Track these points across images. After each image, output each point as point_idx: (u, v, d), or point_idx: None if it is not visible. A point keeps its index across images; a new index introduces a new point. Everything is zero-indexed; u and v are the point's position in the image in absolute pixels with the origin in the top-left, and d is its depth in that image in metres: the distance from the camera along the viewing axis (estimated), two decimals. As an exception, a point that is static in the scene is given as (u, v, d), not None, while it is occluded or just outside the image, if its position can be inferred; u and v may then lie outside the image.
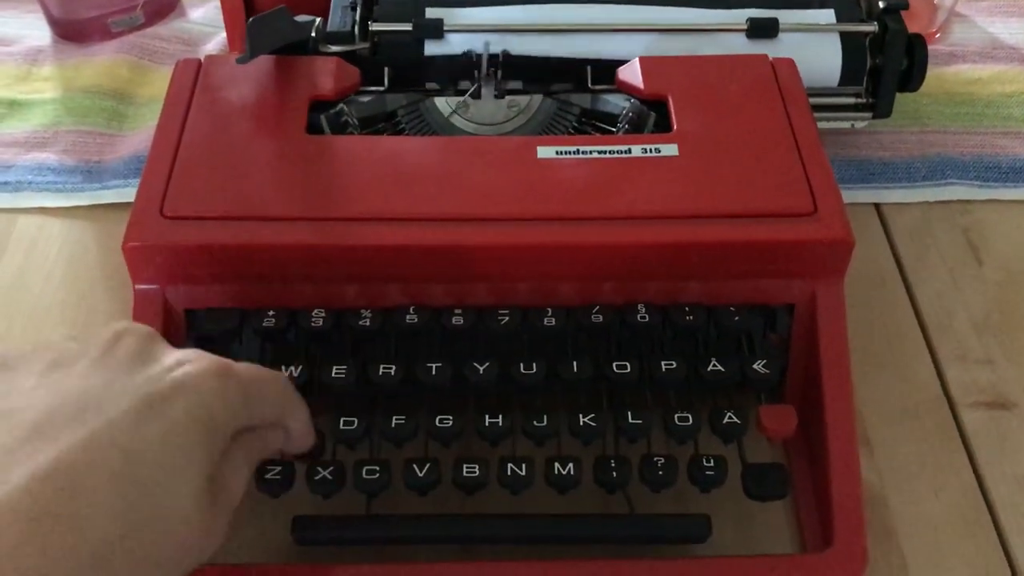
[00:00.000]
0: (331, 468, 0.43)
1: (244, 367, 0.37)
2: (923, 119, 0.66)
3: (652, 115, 0.53)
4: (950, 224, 0.60)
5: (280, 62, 0.53)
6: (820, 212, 0.46)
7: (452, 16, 0.57)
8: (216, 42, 0.71)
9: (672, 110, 0.51)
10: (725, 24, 0.58)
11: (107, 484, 0.31)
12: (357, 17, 0.57)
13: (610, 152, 0.48)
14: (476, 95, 0.56)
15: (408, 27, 0.56)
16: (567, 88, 0.57)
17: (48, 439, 0.31)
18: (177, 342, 0.45)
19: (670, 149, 0.48)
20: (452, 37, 0.57)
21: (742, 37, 0.58)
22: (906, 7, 0.58)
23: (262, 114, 0.50)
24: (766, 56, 0.54)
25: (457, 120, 0.54)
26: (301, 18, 0.55)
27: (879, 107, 0.59)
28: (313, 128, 0.50)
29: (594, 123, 0.55)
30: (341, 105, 0.52)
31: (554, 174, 0.47)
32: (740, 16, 0.58)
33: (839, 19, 0.59)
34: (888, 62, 0.58)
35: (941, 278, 0.57)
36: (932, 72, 0.69)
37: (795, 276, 0.47)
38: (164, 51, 0.71)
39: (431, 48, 0.57)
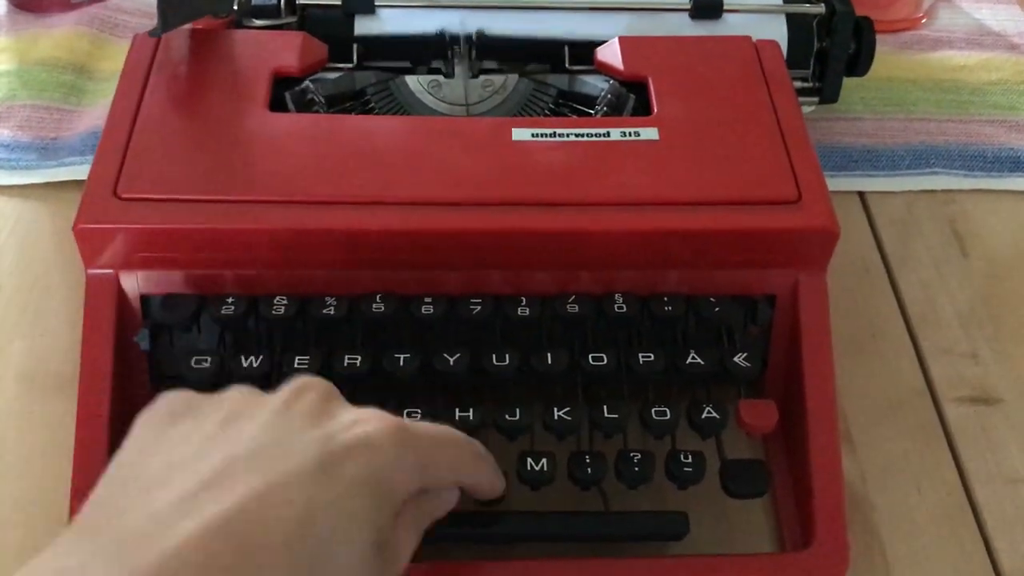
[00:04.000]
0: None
1: (425, 430, 0.35)
2: (908, 105, 0.65)
3: (632, 97, 0.51)
4: (935, 214, 0.59)
5: (242, 36, 0.51)
6: (804, 200, 0.44)
7: None
8: (180, 15, 0.68)
9: (652, 92, 0.49)
10: (667, 3, 0.56)
11: (279, 541, 0.30)
12: None
13: (588, 135, 0.46)
14: (449, 74, 0.54)
15: (337, 1, 0.54)
16: (544, 68, 0.55)
17: (223, 489, 0.30)
18: (132, 330, 0.44)
19: (650, 133, 0.47)
20: (384, 12, 0.54)
21: (685, 17, 0.56)
22: None
23: (223, 90, 0.47)
24: (749, 38, 0.53)
25: (429, 100, 0.52)
26: None
27: (826, 91, 0.58)
28: (277, 105, 0.48)
29: (571, 105, 0.53)
30: (307, 82, 0.50)
31: (529, 157, 0.46)
32: None
33: (786, 0, 0.57)
34: (835, 45, 0.56)
35: (926, 269, 0.56)
36: (917, 58, 0.69)
37: (777, 266, 0.45)
38: (126, 24, 0.69)
39: (363, 24, 0.54)
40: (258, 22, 0.53)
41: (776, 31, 0.56)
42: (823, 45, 0.57)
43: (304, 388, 0.35)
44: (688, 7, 0.55)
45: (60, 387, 0.48)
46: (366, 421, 0.34)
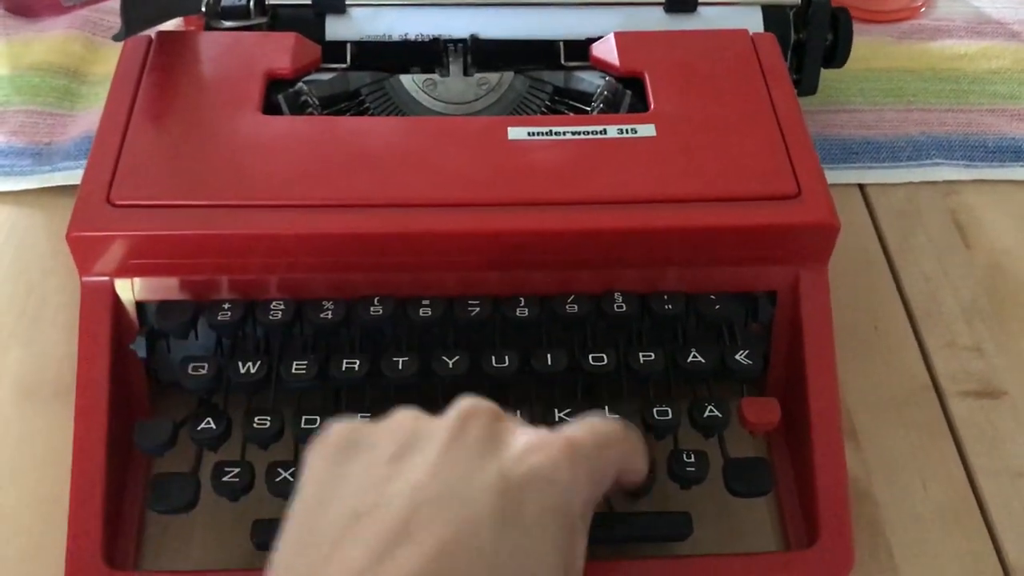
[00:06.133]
0: (292, 469, 0.40)
1: (592, 439, 0.34)
2: (907, 96, 0.64)
3: (628, 93, 0.51)
4: (936, 205, 0.58)
5: (235, 38, 0.50)
6: (804, 195, 0.44)
7: None
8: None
9: (649, 88, 0.49)
10: None
11: None
12: None
13: (584, 133, 0.46)
14: (444, 73, 0.53)
15: (308, 1, 0.53)
16: (539, 65, 0.54)
17: (412, 541, 0.29)
18: (128, 337, 0.43)
19: (647, 129, 0.46)
20: (356, 12, 0.54)
21: (659, 11, 0.55)
22: None
23: (215, 93, 0.47)
24: (746, 31, 0.52)
25: (424, 99, 0.52)
26: None
27: (804, 83, 0.57)
28: (270, 108, 0.47)
29: (567, 102, 0.53)
30: (300, 84, 0.50)
31: (526, 156, 0.45)
32: None
33: None
34: (812, 36, 0.56)
35: (928, 262, 0.55)
36: (917, 47, 0.68)
37: (778, 262, 0.45)
38: (118, 26, 0.68)
39: (334, 25, 0.54)
40: (227, 23, 0.53)
41: (752, 23, 0.55)
42: (800, 37, 0.56)
43: (470, 415, 0.34)
44: (662, 1, 0.55)
45: (57, 395, 0.47)
46: (537, 448, 0.33)
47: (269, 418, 0.41)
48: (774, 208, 0.44)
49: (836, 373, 0.44)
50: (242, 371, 0.42)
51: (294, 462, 0.41)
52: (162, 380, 0.45)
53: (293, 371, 0.42)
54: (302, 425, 0.41)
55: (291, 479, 0.40)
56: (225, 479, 0.40)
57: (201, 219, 0.42)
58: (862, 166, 0.60)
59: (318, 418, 0.41)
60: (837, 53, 0.57)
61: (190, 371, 0.42)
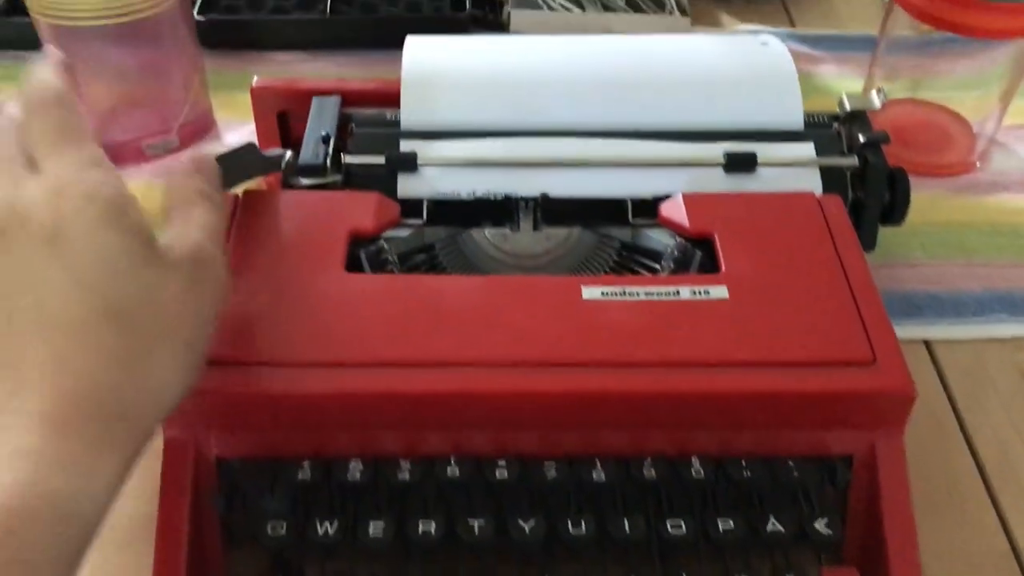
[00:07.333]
0: (368, 633, 0.40)
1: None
2: (968, 251, 0.65)
3: (698, 253, 0.52)
4: (1005, 362, 0.58)
5: (319, 197, 0.52)
6: (879, 361, 0.44)
7: (426, 149, 0.56)
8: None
9: (719, 249, 0.50)
10: (701, 159, 0.56)
11: None
12: (330, 149, 0.56)
13: (658, 294, 0.47)
14: (515, 228, 0.55)
15: (381, 160, 0.56)
16: (607, 221, 0.56)
17: None
18: (207, 490, 0.44)
19: (720, 291, 0.47)
20: (427, 171, 0.56)
21: (719, 172, 0.56)
22: (887, 141, 0.57)
23: (301, 251, 0.49)
24: (813, 194, 0.53)
25: (495, 252, 0.53)
26: (271, 152, 0.55)
27: (863, 241, 0.58)
28: (353, 265, 0.49)
29: (636, 258, 0.54)
30: (381, 242, 0.51)
31: (600, 316, 0.46)
32: (717, 150, 0.56)
33: (819, 153, 0.57)
34: (870, 196, 0.57)
35: (999, 421, 0.55)
36: (974, 201, 0.69)
37: (853, 427, 0.45)
38: (199, 175, 0.71)
39: (406, 183, 0.56)
40: (305, 181, 0.55)
41: (810, 184, 0.56)
42: (858, 196, 0.57)
43: None
44: (722, 162, 0.56)
45: (130, 543, 0.47)
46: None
47: (345, 579, 0.41)
48: (849, 374, 0.44)
49: (917, 543, 0.43)
50: (320, 532, 0.42)
51: (368, 623, 0.41)
52: (235, 534, 0.45)
53: (370, 534, 0.42)
54: (377, 586, 0.41)
55: (366, 643, 0.40)
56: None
57: (284, 379, 0.43)
58: (927, 322, 0.60)
59: (392, 579, 0.41)
60: (895, 212, 0.58)
61: (268, 531, 0.42)
